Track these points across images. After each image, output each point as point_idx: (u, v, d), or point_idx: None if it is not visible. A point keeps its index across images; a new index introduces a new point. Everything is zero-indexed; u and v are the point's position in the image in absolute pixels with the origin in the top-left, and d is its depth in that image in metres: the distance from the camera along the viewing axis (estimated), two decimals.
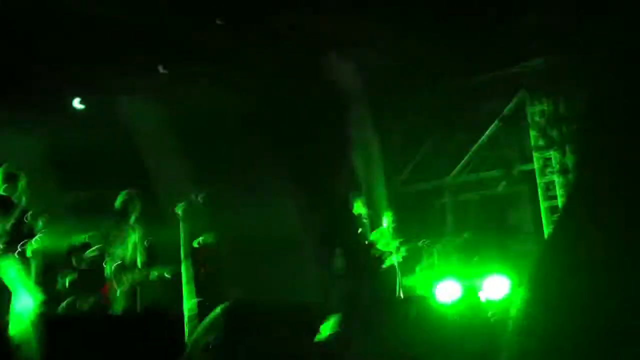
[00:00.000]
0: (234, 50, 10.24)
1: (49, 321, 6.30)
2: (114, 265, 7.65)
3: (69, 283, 7.60)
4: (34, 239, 6.82)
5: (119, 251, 7.73)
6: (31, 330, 5.64)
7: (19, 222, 6.78)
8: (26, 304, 6.49)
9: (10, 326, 6.39)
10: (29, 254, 6.75)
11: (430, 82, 10.92)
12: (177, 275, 7.60)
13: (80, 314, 7.31)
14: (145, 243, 8.92)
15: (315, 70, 10.47)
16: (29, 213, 6.87)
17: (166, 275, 7.99)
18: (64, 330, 5.99)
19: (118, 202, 7.88)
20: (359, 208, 8.78)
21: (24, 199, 6.95)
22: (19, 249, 6.66)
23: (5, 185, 6.89)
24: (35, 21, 9.27)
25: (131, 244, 7.87)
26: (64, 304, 7.63)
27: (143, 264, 7.86)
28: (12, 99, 10.41)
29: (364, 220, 8.82)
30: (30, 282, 6.65)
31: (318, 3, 8.98)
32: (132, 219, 7.93)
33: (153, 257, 8.26)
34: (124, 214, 7.91)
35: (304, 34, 9.70)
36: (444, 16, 9.23)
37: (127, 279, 7.66)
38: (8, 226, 6.68)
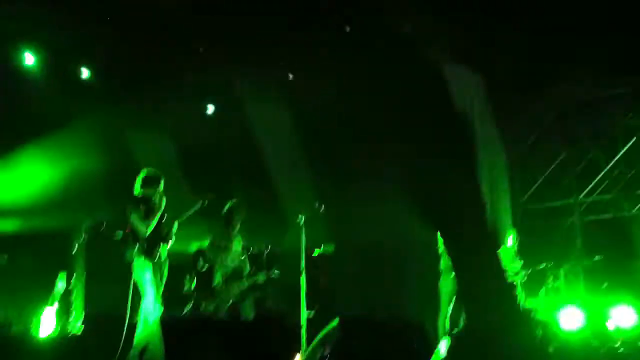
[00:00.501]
0: (358, 61, 10.25)
1: (173, 324, 6.52)
2: (222, 274, 7.81)
3: (194, 286, 7.83)
4: (168, 243, 7.08)
5: (227, 260, 7.88)
6: (157, 333, 5.84)
7: (157, 225, 7.03)
8: (153, 307, 6.75)
9: (138, 327, 6.68)
10: (163, 257, 7.02)
11: (561, 93, 10.47)
12: (297, 284, 7.66)
13: (203, 317, 7.50)
14: (249, 251, 9.13)
15: (438, 82, 10.30)
16: (165, 216, 7.11)
17: (273, 276, 8.09)
18: (188, 333, 6.17)
19: (224, 211, 7.96)
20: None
21: (161, 202, 7.19)
22: (155, 252, 6.91)
23: (145, 188, 7.12)
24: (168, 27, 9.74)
25: (237, 253, 8.00)
26: (189, 306, 7.89)
27: (248, 272, 8.00)
28: (147, 102, 10.95)
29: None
30: (160, 288, 6.90)
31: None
32: (237, 227, 8.05)
33: (259, 264, 8.40)
34: (228, 222, 8.03)
35: (427, 43, 9.56)
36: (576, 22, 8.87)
37: (235, 288, 7.81)
38: (147, 229, 6.91)
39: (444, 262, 8.23)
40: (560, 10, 8.71)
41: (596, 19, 8.87)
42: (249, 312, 7.84)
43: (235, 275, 7.81)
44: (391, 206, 11.04)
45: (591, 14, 8.67)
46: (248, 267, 8.09)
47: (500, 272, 8.03)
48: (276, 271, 8.23)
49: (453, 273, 8.13)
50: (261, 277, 8.08)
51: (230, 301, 7.69)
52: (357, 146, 11.10)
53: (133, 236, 6.93)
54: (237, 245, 8.02)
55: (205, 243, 7.85)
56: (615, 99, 10.64)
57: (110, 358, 6.63)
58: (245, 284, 7.85)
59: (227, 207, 7.82)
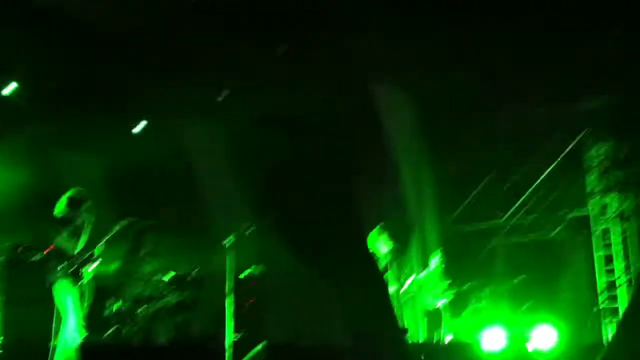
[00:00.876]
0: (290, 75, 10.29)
1: (93, 349, 6.39)
2: (130, 298, 7.69)
3: (115, 311, 7.68)
4: (92, 265, 6.95)
5: (136, 284, 7.76)
6: (75, 358, 5.71)
7: (82, 247, 6.90)
8: (73, 331, 6.60)
9: (56, 352, 6.51)
10: (86, 279, 6.87)
11: (488, 114, 10.72)
12: (222, 307, 7.59)
13: (123, 343, 7.37)
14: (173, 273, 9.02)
15: (365, 97, 10.40)
16: (88, 238, 7.00)
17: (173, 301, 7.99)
18: (107, 359, 6.06)
19: (132, 234, 7.85)
20: (385, 241, 8.46)
21: (86, 223, 7.07)
22: (79, 274, 6.77)
23: (71, 208, 7.00)
24: (100, 43, 9.58)
25: (147, 276, 7.88)
26: (110, 331, 7.73)
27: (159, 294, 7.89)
28: (76, 118, 10.73)
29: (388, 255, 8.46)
30: (80, 312, 6.75)
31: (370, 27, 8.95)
32: (146, 250, 7.96)
33: (184, 286, 8.30)
34: (136, 245, 7.94)
35: (356, 58, 9.64)
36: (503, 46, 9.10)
37: (146, 310, 7.68)
38: (73, 250, 6.79)
39: None
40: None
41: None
42: (161, 335, 7.70)
43: (145, 298, 7.66)
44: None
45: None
46: (159, 290, 7.93)
47: (377, 285, 8.14)
48: (172, 294, 8.10)
49: None
50: (172, 299, 7.95)
51: (138, 325, 7.54)
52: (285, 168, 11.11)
53: (56, 258, 6.76)
54: (146, 268, 7.88)
55: (114, 267, 7.68)
56: (538, 124, 10.93)
57: None
58: (156, 306, 7.70)
59: (135, 229, 7.67)
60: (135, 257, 7.86)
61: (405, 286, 8.41)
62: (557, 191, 11.26)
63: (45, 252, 8.01)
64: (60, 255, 6.80)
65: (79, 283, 6.78)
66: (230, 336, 7.27)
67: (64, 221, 7.00)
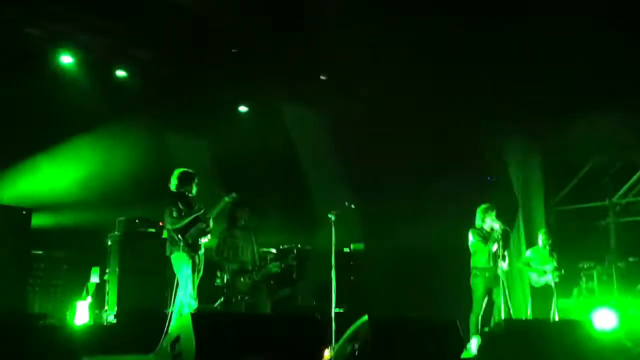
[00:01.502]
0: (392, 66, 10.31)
1: (204, 317, 6.58)
2: (231, 269, 7.85)
3: (224, 282, 7.88)
4: (205, 238, 7.18)
5: (235, 257, 7.88)
6: (190, 325, 5.90)
7: (197, 220, 7.13)
8: (189, 300, 6.85)
9: (173, 318, 6.77)
10: (201, 252, 7.11)
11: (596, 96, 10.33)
12: (328, 281, 7.66)
13: (232, 312, 7.55)
14: (280, 247, 9.13)
15: None
16: (203, 212, 7.21)
17: (274, 270, 8.06)
18: (219, 327, 6.23)
19: (228, 209, 7.94)
20: (491, 221, 8.26)
21: (194, 200, 7.31)
22: (195, 247, 7.01)
23: (182, 185, 7.24)
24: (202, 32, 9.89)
25: (244, 249, 7.98)
26: (219, 301, 7.96)
27: (257, 265, 7.98)
28: (184, 104, 11.11)
29: (495, 234, 8.27)
30: (196, 281, 6.99)
31: None
32: (242, 223, 8.06)
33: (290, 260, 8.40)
34: (232, 219, 8.05)
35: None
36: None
37: (245, 280, 7.80)
38: (185, 224, 7.02)
39: (478, 261, 8.18)
40: None
41: None
42: (263, 305, 7.82)
43: (242, 270, 7.80)
44: (423, 206, 11.05)
45: None
46: (259, 262, 8.05)
47: None
48: (273, 263, 8.18)
49: (487, 273, 8.09)
50: (277, 271, 8.05)
51: (239, 296, 7.68)
52: (393, 149, 11.12)
53: (178, 231, 7.01)
54: (243, 240, 8.00)
55: (214, 242, 7.86)
56: None
57: (142, 348, 6.71)
58: (255, 278, 7.82)
59: (229, 205, 7.79)
60: (233, 230, 8.00)
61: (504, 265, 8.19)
62: None
63: (161, 224, 8.37)
64: (176, 228, 7.00)
65: (195, 255, 6.99)
66: (334, 309, 7.32)
67: (177, 196, 7.21)
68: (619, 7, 8.52)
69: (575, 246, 10.72)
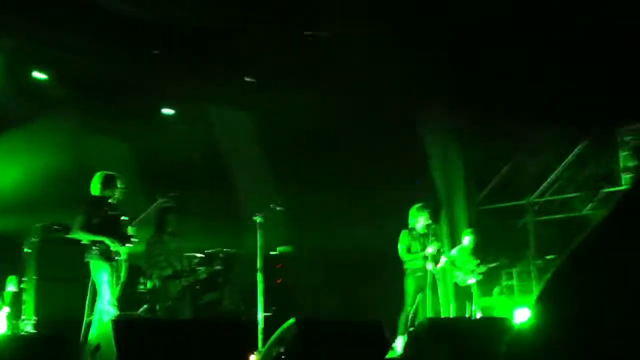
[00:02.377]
0: (317, 66, 10.33)
1: (125, 324, 6.45)
2: (160, 276, 7.74)
3: (148, 288, 7.75)
4: (127, 244, 7.03)
5: (162, 261, 7.80)
6: (110, 333, 5.78)
7: (116, 226, 6.98)
8: (109, 307, 6.70)
9: (92, 326, 6.61)
10: (123, 257, 6.96)
11: (515, 95, 10.60)
12: (254, 284, 7.65)
13: (155, 318, 7.44)
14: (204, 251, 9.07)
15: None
16: (124, 217, 7.07)
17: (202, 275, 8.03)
18: (141, 334, 6.11)
19: (154, 214, 7.89)
20: (426, 219, 8.41)
21: (118, 203, 7.16)
22: (114, 252, 6.85)
23: (105, 188, 7.07)
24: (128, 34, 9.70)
25: (172, 253, 7.91)
26: (142, 308, 7.81)
27: (186, 270, 7.93)
28: (106, 106, 10.88)
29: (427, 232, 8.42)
30: (115, 288, 6.84)
31: None
32: (170, 228, 8.00)
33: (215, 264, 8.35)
34: (161, 223, 7.97)
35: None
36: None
37: (175, 285, 7.72)
38: (101, 229, 6.86)
39: (409, 261, 8.29)
40: None
41: None
42: (186, 311, 7.75)
43: (172, 275, 7.71)
44: (349, 207, 11.13)
45: None
46: (187, 267, 7.99)
47: None
48: (201, 268, 8.15)
49: (419, 272, 8.21)
50: (203, 276, 8.00)
51: (169, 302, 7.59)
52: (317, 150, 11.17)
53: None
54: (171, 245, 7.93)
55: (141, 247, 7.75)
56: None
57: (61, 357, 6.51)
58: (183, 283, 7.75)
59: (158, 208, 7.71)
60: (162, 236, 7.90)
61: (441, 263, 8.35)
62: (587, 170, 11.11)
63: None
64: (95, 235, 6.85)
65: (114, 261, 6.85)
66: (261, 312, 7.31)
67: (98, 201, 7.05)
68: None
69: (496, 245, 10.99)
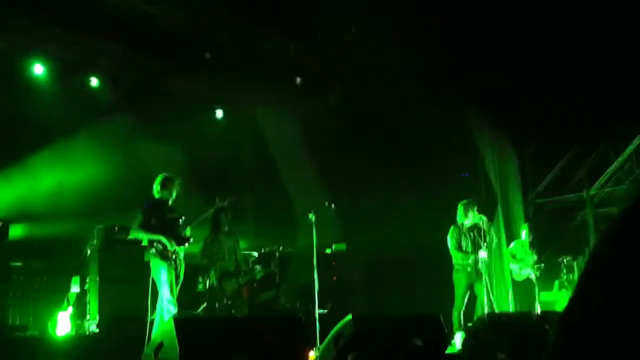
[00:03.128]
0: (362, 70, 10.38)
1: (187, 322, 6.54)
2: (217, 274, 7.79)
3: (207, 287, 7.84)
4: (185, 245, 7.14)
5: (219, 261, 7.85)
6: (172, 331, 5.87)
7: (175, 226, 7.08)
8: (169, 305, 6.80)
9: (155, 325, 6.72)
10: (180, 257, 7.06)
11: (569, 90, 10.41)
12: (310, 282, 7.66)
13: (215, 316, 7.51)
14: (261, 251, 9.14)
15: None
16: (183, 218, 7.17)
17: (259, 273, 8.06)
18: (202, 331, 6.19)
19: (210, 214, 7.94)
20: (473, 216, 8.29)
21: (176, 205, 7.28)
22: (172, 253, 6.96)
23: (163, 190, 7.19)
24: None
25: (229, 253, 7.96)
26: (202, 307, 7.91)
27: (242, 269, 7.97)
28: (159, 111, 11.08)
29: (479, 230, 8.31)
30: (175, 287, 6.94)
31: None
32: (225, 228, 8.05)
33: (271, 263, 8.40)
34: (216, 224, 8.03)
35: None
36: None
37: (231, 284, 7.77)
38: (165, 230, 6.97)
39: (459, 258, 8.22)
40: None
41: None
42: (244, 310, 7.80)
43: (228, 274, 7.78)
44: (401, 204, 11.09)
45: None
46: (243, 266, 8.05)
47: None
48: (258, 267, 8.19)
49: (468, 268, 8.13)
50: (260, 274, 8.06)
51: (227, 300, 7.65)
52: (367, 151, 11.18)
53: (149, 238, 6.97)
54: (227, 244, 7.99)
55: (198, 247, 7.84)
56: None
57: (125, 356, 6.65)
58: (240, 282, 7.81)
59: (212, 209, 7.78)
60: (218, 235, 7.99)
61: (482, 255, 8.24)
62: None
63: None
64: (154, 235, 6.95)
65: (172, 260, 6.94)
66: (317, 310, 7.32)
67: (157, 202, 7.16)
68: None
69: (555, 239, 10.79)
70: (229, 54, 10.33)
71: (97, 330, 8.04)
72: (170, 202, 7.26)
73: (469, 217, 8.24)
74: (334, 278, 9.72)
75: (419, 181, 11.05)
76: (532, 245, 9.36)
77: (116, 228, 8.68)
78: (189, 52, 10.34)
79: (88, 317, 8.31)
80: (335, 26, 9.64)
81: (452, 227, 8.31)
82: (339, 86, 11.31)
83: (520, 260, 9.30)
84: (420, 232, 10.32)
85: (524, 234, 9.50)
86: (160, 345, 6.10)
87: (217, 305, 7.69)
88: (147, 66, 10.57)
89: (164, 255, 6.93)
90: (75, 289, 8.78)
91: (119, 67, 10.52)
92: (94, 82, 10.44)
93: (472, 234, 8.23)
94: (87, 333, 8.15)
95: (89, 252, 8.64)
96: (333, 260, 9.86)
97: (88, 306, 8.35)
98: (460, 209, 8.34)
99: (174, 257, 6.99)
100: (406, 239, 10.60)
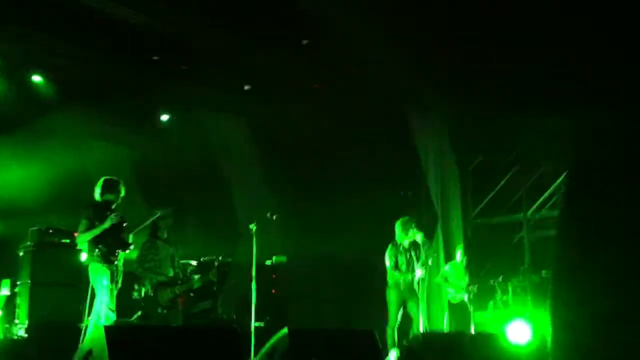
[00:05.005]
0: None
1: (119, 330, 6.43)
2: (153, 281, 7.68)
3: (142, 295, 7.72)
4: (127, 250, 7.02)
5: (155, 269, 7.75)
6: (103, 338, 5.76)
7: (117, 232, 6.96)
8: (107, 311, 6.68)
9: (89, 330, 6.58)
10: (120, 263, 6.94)
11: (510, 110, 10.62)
12: (248, 293, 7.61)
13: (149, 325, 7.39)
14: (199, 260, 9.05)
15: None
16: (125, 224, 7.06)
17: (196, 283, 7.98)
18: (134, 340, 6.10)
19: (149, 221, 7.84)
20: (412, 234, 8.38)
21: (117, 209, 7.16)
22: (113, 258, 6.83)
23: (106, 194, 7.07)
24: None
25: (165, 261, 7.86)
26: (136, 315, 7.78)
27: (179, 278, 7.87)
28: (105, 113, 10.90)
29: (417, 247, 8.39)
30: (113, 292, 6.81)
31: None
32: (164, 236, 7.95)
33: (209, 273, 8.30)
34: (154, 231, 7.92)
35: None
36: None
37: (167, 293, 7.67)
38: (100, 234, 6.84)
39: (392, 274, 8.27)
40: None
41: None
42: (179, 319, 7.70)
43: (164, 283, 7.66)
44: (343, 219, 11.14)
45: None
46: (181, 274, 7.94)
47: None
48: (196, 277, 8.11)
49: (402, 286, 8.18)
50: (197, 284, 7.96)
51: (162, 309, 7.54)
52: (312, 159, 11.21)
53: (94, 240, 6.83)
54: (165, 251, 7.88)
55: (135, 254, 7.71)
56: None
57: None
58: (176, 291, 7.71)
59: (152, 218, 7.68)
60: (155, 242, 7.86)
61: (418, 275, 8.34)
62: None
63: (74, 235, 8.13)
64: (94, 239, 6.83)
65: (114, 265, 6.83)
66: (254, 322, 7.28)
67: (99, 206, 7.04)
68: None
69: (492, 259, 10.99)
70: (181, 55, 10.23)
71: (26, 335, 7.84)
72: (113, 206, 7.14)
73: (408, 235, 8.28)
74: (273, 291, 9.69)
75: (361, 195, 11.13)
76: (466, 267, 9.48)
77: (51, 230, 8.49)
78: (139, 52, 10.21)
79: (17, 321, 8.08)
80: (291, 31, 9.62)
81: (390, 245, 8.33)
82: (289, 92, 11.29)
83: (452, 284, 9.42)
84: (361, 246, 10.37)
85: (459, 255, 9.64)
86: (89, 353, 5.98)
87: (151, 314, 7.57)
88: (93, 64, 10.39)
89: (107, 258, 6.81)
90: (5, 291, 8.54)
91: (65, 64, 10.30)
92: (38, 78, 10.19)
93: (409, 253, 8.28)
94: (15, 337, 7.92)
95: (21, 254, 8.41)
96: (273, 273, 9.83)
97: (17, 310, 8.12)
98: (398, 226, 8.37)
99: (116, 261, 6.88)
100: (347, 253, 10.64)
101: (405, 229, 8.29)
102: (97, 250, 6.80)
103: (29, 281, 8.14)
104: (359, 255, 10.11)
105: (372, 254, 9.00)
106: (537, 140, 10.49)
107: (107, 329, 5.93)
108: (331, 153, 11.12)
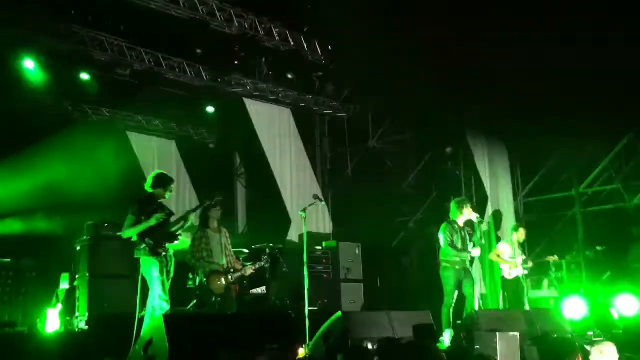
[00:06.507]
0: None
1: (177, 319, 6.54)
2: (207, 270, 7.73)
3: (197, 284, 7.81)
4: (175, 242, 7.08)
5: (208, 258, 7.79)
6: (162, 327, 5.86)
7: (165, 224, 7.03)
8: (160, 302, 6.77)
9: (145, 322, 6.69)
10: (170, 254, 7.02)
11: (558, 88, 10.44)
12: (301, 279, 7.62)
13: (205, 313, 7.49)
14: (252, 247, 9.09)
15: None
16: (173, 215, 7.13)
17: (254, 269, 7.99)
18: (192, 328, 6.20)
19: (200, 211, 7.76)
20: (467, 214, 8.30)
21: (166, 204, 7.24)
22: (162, 249, 6.91)
23: (156, 188, 7.14)
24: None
25: (217, 250, 7.90)
26: (192, 303, 7.89)
27: (232, 266, 7.90)
28: (145, 105, 11.07)
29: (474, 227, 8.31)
30: (167, 284, 6.90)
31: None
32: (215, 225, 7.97)
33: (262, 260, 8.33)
34: (205, 221, 7.95)
35: None
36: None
37: (220, 282, 7.71)
38: (148, 228, 6.92)
39: (448, 254, 8.20)
40: None
41: None
42: (233, 307, 7.76)
43: (217, 271, 7.72)
44: (394, 202, 11.14)
45: None
46: (232, 263, 7.99)
47: None
48: (247, 264, 8.14)
49: (457, 265, 8.12)
50: (249, 270, 7.99)
51: (216, 297, 7.60)
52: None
53: (141, 234, 6.93)
54: (217, 242, 7.92)
55: (187, 244, 7.78)
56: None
57: (113, 353, 6.64)
58: (230, 279, 7.77)
59: (201, 207, 7.73)
60: (206, 231, 7.92)
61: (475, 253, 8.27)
62: (634, 160, 10.86)
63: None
64: (145, 232, 6.91)
65: (162, 257, 6.90)
66: (307, 306, 7.28)
67: (149, 199, 7.12)
68: None
69: (544, 237, 10.83)
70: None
71: (86, 327, 8.01)
72: (159, 201, 7.20)
73: (463, 214, 8.22)
74: (325, 276, 9.72)
75: (412, 177, 11.08)
76: (520, 244, 9.36)
77: (106, 224, 8.64)
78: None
79: (77, 313, 8.26)
80: None
81: (445, 223, 8.25)
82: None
83: (507, 262, 9.30)
84: (412, 228, 10.35)
85: (512, 233, 9.52)
86: (149, 342, 6.11)
87: (206, 302, 7.65)
88: (143, 60, 10.54)
89: (154, 251, 6.90)
90: (64, 285, 8.74)
91: (112, 62, 10.43)
92: (86, 76, 10.35)
93: (464, 231, 8.22)
94: (76, 330, 8.11)
95: (78, 248, 8.59)
96: (324, 258, 9.85)
97: (77, 303, 8.29)
98: (453, 205, 8.32)
99: (164, 253, 6.95)
100: (398, 235, 10.62)
101: (460, 208, 8.22)
102: (144, 244, 6.88)
103: (87, 274, 8.29)
104: (411, 237, 10.07)
105: (424, 235, 8.98)
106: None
107: (166, 318, 6.05)
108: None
